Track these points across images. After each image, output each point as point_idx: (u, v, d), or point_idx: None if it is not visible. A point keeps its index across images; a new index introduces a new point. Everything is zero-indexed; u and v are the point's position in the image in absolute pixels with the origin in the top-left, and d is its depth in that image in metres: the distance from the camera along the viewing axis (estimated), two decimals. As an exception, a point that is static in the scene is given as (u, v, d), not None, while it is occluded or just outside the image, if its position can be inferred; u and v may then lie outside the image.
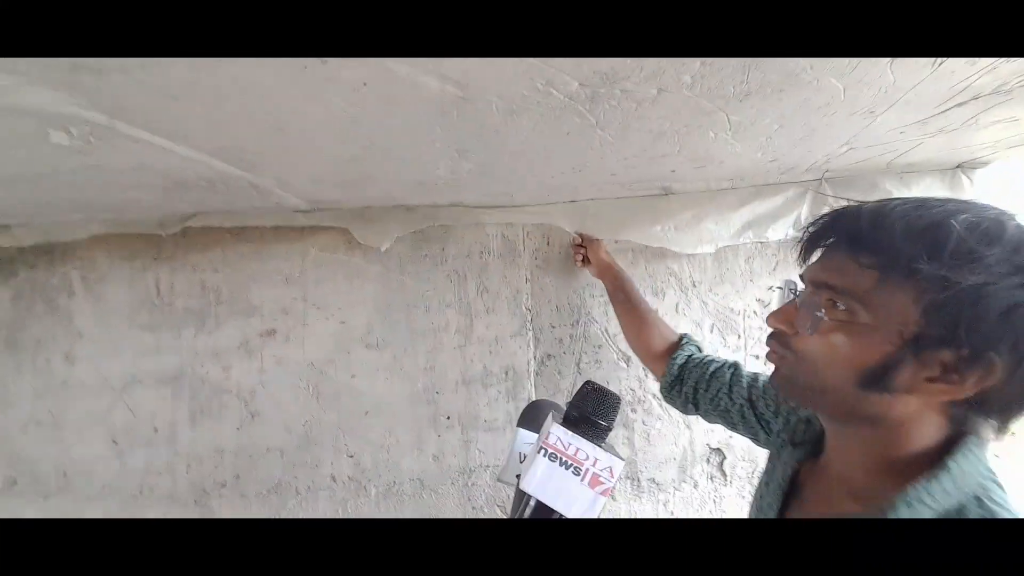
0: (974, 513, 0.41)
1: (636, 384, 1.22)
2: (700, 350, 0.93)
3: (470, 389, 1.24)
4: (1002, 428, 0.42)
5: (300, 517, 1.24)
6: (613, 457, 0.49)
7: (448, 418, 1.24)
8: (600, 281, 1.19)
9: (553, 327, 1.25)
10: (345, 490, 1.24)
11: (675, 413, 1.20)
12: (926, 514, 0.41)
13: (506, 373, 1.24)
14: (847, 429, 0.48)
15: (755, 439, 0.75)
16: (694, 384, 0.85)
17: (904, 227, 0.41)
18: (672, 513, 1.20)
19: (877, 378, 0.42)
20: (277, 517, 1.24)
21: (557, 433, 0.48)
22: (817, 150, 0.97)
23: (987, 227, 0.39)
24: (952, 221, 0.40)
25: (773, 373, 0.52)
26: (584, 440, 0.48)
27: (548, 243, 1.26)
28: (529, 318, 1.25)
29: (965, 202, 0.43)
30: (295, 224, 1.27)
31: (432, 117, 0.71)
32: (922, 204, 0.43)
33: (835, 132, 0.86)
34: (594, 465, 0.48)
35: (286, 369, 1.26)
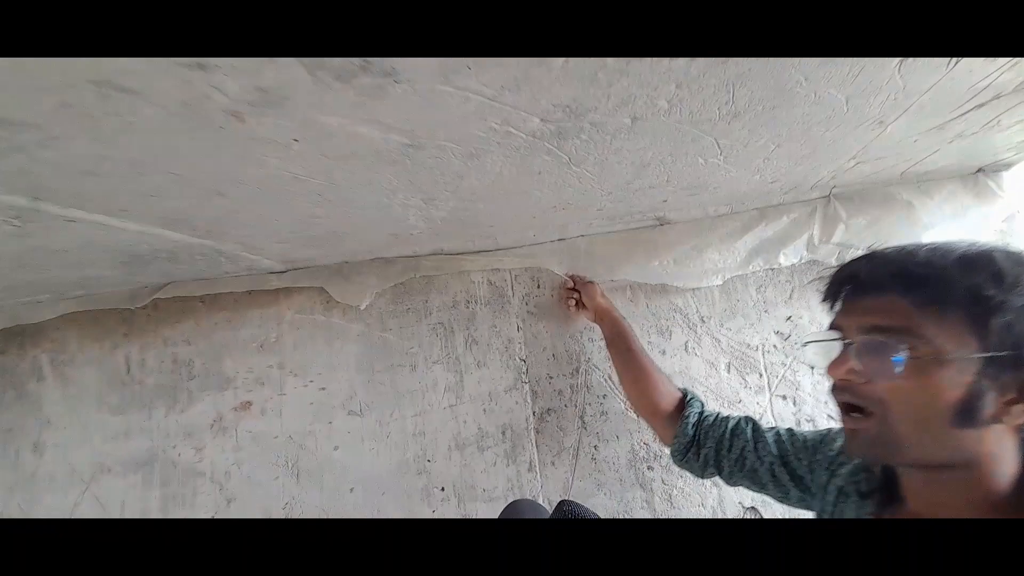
0: None
1: (650, 437, 1.09)
2: (704, 405, 0.83)
3: (464, 454, 1.12)
4: None
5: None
6: None
7: (442, 489, 1.11)
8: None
9: (551, 378, 1.13)
10: (332, 581, 1.10)
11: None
12: None
13: (503, 433, 1.12)
14: (941, 476, 0.46)
15: (785, 498, 0.69)
16: (715, 445, 0.75)
17: (955, 261, 0.43)
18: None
19: (968, 412, 0.42)
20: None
21: None
22: (822, 167, 0.88)
23: (1018, 256, 0.44)
24: (992, 252, 0.43)
25: (853, 437, 0.48)
26: None
27: (539, 286, 1.17)
28: (524, 369, 1.14)
29: (977, 240, 0.46)
30: (269, 287, 1.20)
31: (383, 167, 0.64)
32: (950, 244, 0.46)
33: (841, 146, 0.77)
34: None
35: (263, 445, 1.15)
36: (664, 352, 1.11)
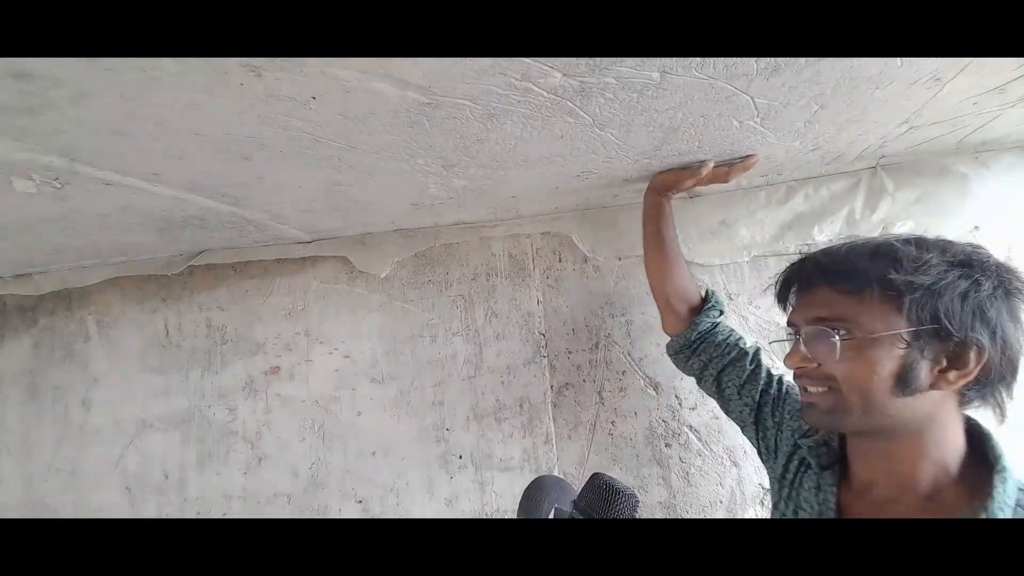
0: None
1: (669, 415, 1.07)
2: (722, 312, 0.86)
3: (482, 424, 1.13)
4: (1002, 407, 0.50)
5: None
6: None
7: (460, 457, 1.13)
8: (618, 297, 1.06)
9: (570, 352, 1.12)
10: (355, 538, 1.15)
11: (718, 449, 1.04)
12: (1018, 514, 0.45)
13: (521, 405, 1.12)
14: (889, 444, 0.51)
15: (752, 439, 0.75)
16: (707, 361, 0.80)
17: (862, 253, 0.51)
18: (722, 565, 1.03)
19: (905, 382, 0.48)
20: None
21: None
22: (870, 133, 0.81)
23: (918, 241, 0.51)
24: (894, 241, 0.51)
25: (811, 409, 0.55)
26: None
27: (560, 259, 1.15)
28: (543, 343, 1.14)
29: (888, 234, 0.54)
30: (296, 256, 1.23)
31: (401, 129, 0.63)
32: (858, 240, 0.54)
33: (893, 107, 0.71)
34: None
35: (291, 408, 1.20)
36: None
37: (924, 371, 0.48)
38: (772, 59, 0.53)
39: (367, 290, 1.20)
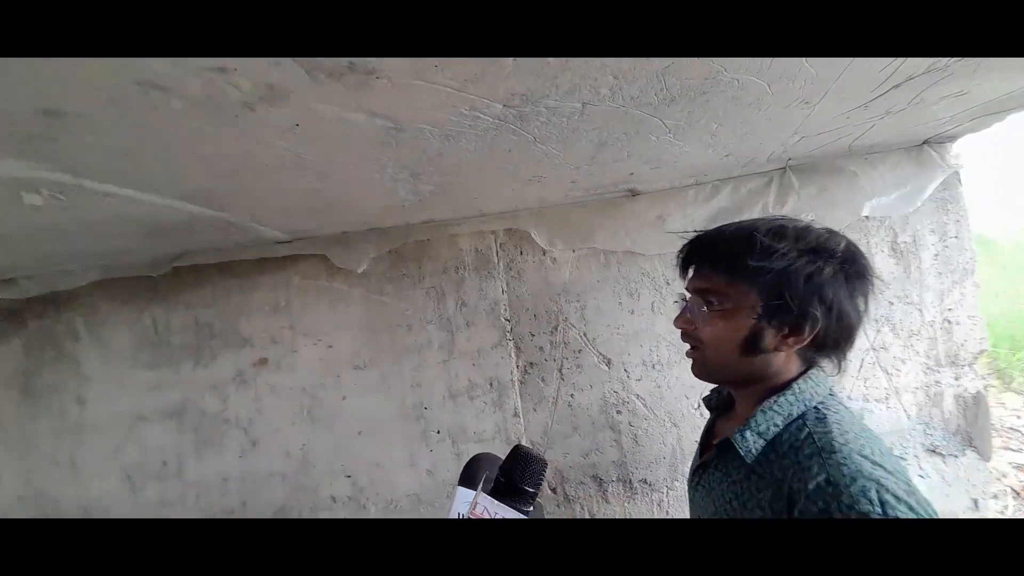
0: (810, 418, 0.57)
1: (619, 386, 1.22)
2: None
3: (457, 402, 1.26)
4: (839, 363, 0.62)
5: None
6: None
7: (438, 432, 1.26)
8: (573, 285, 1.20)
9: (533, 335, 1.26)
10: (345, 510, 1.27)
11: (661, 413, 1.20)
12: (776, 420, 0.59)
13: (491, 384, 1.26)
14: (747, 390, 0.65)
15: None
16: None
17: (730, 241, 0.62)
18: (667, 512, 1.20)
19: (752, 345, 0.60)
20: (281, 540, 1.28)
21: (484, 503, 0.51)
22: (768, 142, 0.97)
23: (775, 229, 0.60)
24: (755, 232, 0.60)
25: (691, 363, 0.67)
26: (507, 508, 0.51)
27: (521, 253, 1.28)
28: (508, 328, 1.27)
29: (765, 217, 0.63)
30: (277, 255, 1.32)
31: (373, 147, 0.74)
32: (739, 225, 0.63)
33: (778, 124, 0.86)
34: None
35: (280, 396, 1.30)
36: (633, 312, 1.23)
37: (769, 337, 0.58)
38: (667, 92, 0.67)
39: (346, 285, 1.31)
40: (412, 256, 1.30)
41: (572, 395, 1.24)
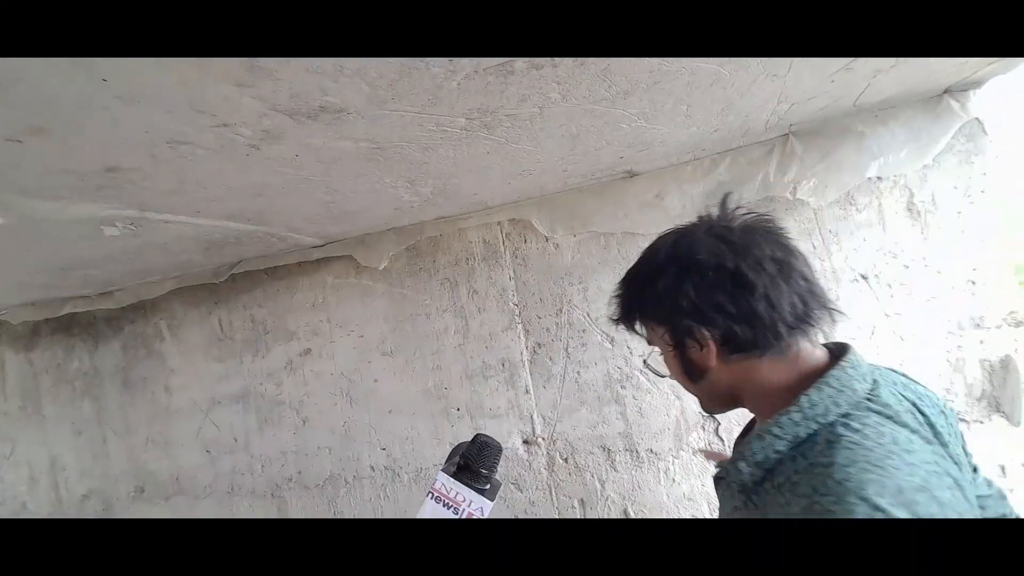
0: (821, 440, 0.48)
1: (623, 362, 1.28)
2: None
3: (473, 382, 1.38)
4: (797, 338, 0.54)
5: (351, 503, 1.47)
6: (484, 500, 0.62)
7: (458, 409, 1.40)
8: (575, 268, 1.27)
9: (539, 318, 1.35)
10: (383, 477, 1.45)
11: (664, 386, 1.25)
12: (778, 445, 0.50)
13: (503, 365, 1.37)
14: (749, 407, 0.60)
15: None
16: None
17: (626, 289, 0.64)
18: (674, 480, 1.26)
19: (691, 372, 0.58)
20: (334, 504, 1.48)
21: (442, 480, 0.61)
22: (754, 113, 0.97)
23: (654, 265, 0.59)
24: (641, 268, 0.61)
25: None
26: (463, 486, 0.61)
27: (526, 241, 1.36)
28: (517, 312, 1.36)
29: (647, 250, 0.63)
30: (313, 258, 1.50)
31: (364, 164, 0.86)
32: (632, 267, 0.64)
33: (755, 96, 0.86)
34: (469, 505, 0.61)
35: (323, 381, 1.49)
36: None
37: (695, 357, 0.56)
38: (617, 88, 0.72)
39: (372, 280, 1.46)
40: (426, 251, 1.43)
41: (579, 372, 1.32)
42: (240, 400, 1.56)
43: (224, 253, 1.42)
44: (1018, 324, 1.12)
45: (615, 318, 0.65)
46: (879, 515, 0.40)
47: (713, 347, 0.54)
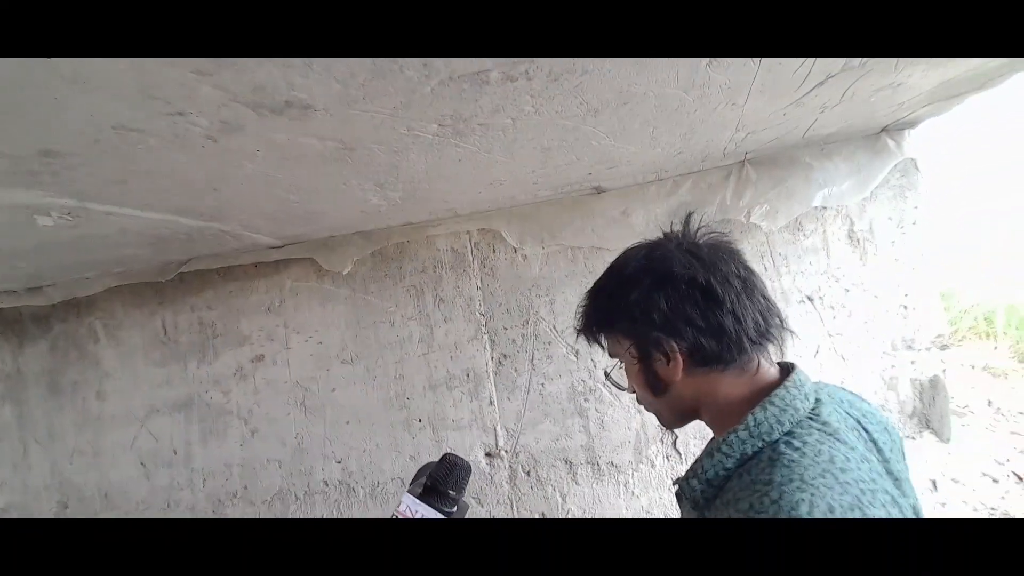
0: (764, 458, 0.49)
1: (586, 375, 1.30)
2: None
3: (436, 392, 1.35)
4: (723, 362, 0.55)
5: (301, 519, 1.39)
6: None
7: (420, 420, 1.36)
8: (543, 280, 1.28)
9: (506, 329, 1.34)
10: (337, 492, 1.38)
11: (626, 399, 1.27)
12: (726, 463, 0.51)
13: (467, 375, 1.35)
14: (706, 421, 0.59)
15: None
16: None
17: (591, 301, 0.62)
18: (633, 493, 1.27)
19: (654, 386, 0.57)
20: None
21: (407, 502, 0.58)
22: (712, 140, 1.02)
23: (625, 277, 0.57)
24: (608, 281, 0.60)
25: None
26: (428, 508, 0.57)
27: (494, 251, 1.36)
28: (483, 322, 1.35)
29: (634, 246, 0.62)
30: (270, 259, 1.43)
31: (330, 164, 0.83)
32: (598, 280, 0.62)
33: (715, 123, 0.91)
34: None
35: (276, 389, 1.42)
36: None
37: (660, 371, 0.55)
38: (588, 106, 0.74)
39: (334, 285, 1.41)
40: (393, 257, 1.40)
41: (543, 384, 1.32)
42: (182, 409, 1.45)
43: (172, 250, 1.33)
44: (944, 347, 1.21)
45: (579, 328, 0.64)
46: None
47: (680, 360, 0.54)
